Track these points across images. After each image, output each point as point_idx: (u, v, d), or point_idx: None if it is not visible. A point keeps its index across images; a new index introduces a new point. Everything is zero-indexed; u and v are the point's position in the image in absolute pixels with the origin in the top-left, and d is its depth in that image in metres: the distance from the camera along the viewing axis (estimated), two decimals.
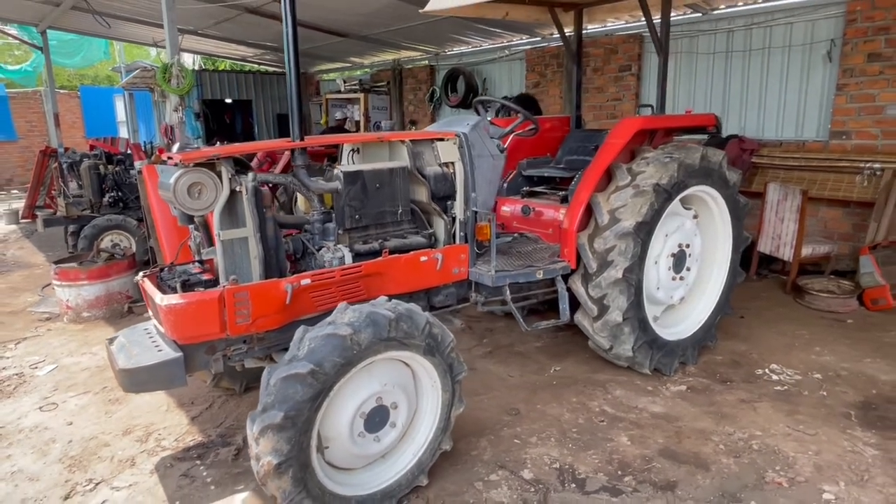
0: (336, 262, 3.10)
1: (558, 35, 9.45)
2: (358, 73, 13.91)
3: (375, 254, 3.33)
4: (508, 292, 3.63)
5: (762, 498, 2.88)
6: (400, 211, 3.38)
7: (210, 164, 2.84)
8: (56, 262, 5.67)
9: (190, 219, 2.99)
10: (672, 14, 4.33)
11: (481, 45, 10.63)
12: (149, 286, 2.89)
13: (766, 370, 4.29)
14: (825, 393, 3.94)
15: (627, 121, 3.97)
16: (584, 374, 4.25)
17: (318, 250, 3.17)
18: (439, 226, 3.57)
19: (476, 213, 3.59)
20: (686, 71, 7.85)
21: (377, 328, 2.56)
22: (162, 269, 3.07)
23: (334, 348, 2.46)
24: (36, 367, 4.60)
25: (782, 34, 6.93)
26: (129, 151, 9.80)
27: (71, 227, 7.72)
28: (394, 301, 2.76)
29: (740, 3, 7.20)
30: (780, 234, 6.08)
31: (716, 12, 7.42)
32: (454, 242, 3.61)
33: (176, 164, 2.75)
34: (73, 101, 17.86)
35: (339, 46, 11.79)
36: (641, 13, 4.22)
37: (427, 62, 11.86)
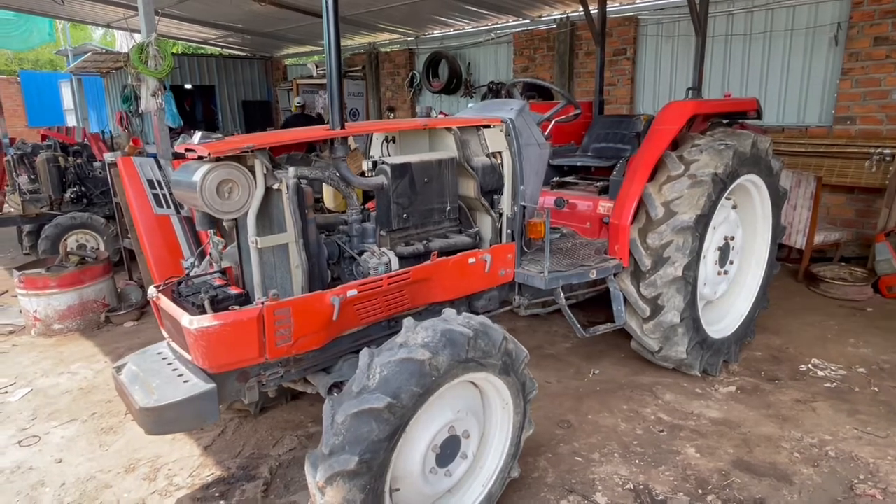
0: (382, 268, 2.69)
1: (548, 17, 9.14)
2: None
3: (418, 257, 2.94)
4: (562, 295, 3.30)
5: None
6: (448, 208, 2.98)
7: (238, 158, 2.39)
8: (19, 268, 5.00)
9: (212, 222, 2.52)
10: None
11: (464, 28, 10.21)
12: (167, 304, 2.42)
13: (809, 365, 4.12)
14: (877, 389, 3.79)
15: (676, 105, 3.68)
16: (627, 378, 3.98)
17: (360, 255, 2.75)
18: (485, 223, 3.20)
19: (525, 208, 3.23)
20: (685, 55, 7.66)
21: (455, 349, 2.19)
22: (179, 283, 2.59)
23: (411, 375, 2.07)
24: (6, 392, 4.01)
25: (785, 17, 6.80)
26: (85, 142, 9.00)
27: (27, 227, 6.97)
28: (465, 314, 2.38)
29: None
30: (793, 221, 5.96)
31: None
32: (500, 241, 3.25)
33: (200, 158, 2.28)
34: (13, 87, 16.51)
35: (310, 29, 11.14)
36: None
37: (405, 46, 11.34)
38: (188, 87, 14.12)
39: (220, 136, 2.46)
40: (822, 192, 6.54)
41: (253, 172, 2.38)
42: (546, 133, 3.54)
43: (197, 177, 2.24)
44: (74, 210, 6.66)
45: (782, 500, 2.77)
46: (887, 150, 5.95)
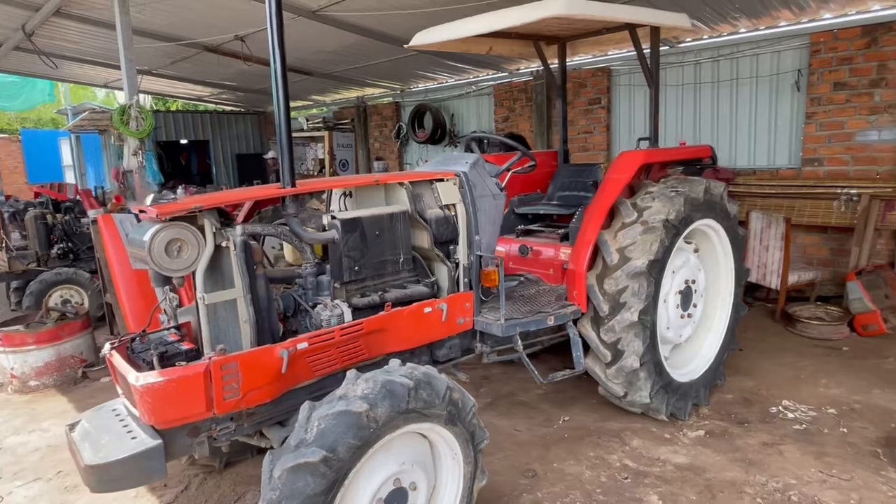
0: (335, 319, 2.76)
1: (525, 70, 9.48)
2: (317, 111, 13.65)
3: (374, 307, 3.00)
4: (520, 342, 3.35)
5: None
6: (401, 259, 3.07)
7: (190, 217, 2.49)
8: None
9: (167, 280, 2.60)
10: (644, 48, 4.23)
11: (447, 81, 10.57)
12: (119, 361, 2.48)
13: (780, 407, 4.11)
14: (845, 430, 3.78)
15: (627, 155, 3.82)
16: (596, 424, 3.97)
17: (314, 307, 2.82)
18: (442, 273, 3.28)
19: (481, 257, 3.32)
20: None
21: (395, 400, 2.23)
22: (133, 339, 2.65)
23: (348, 428, 2.11)
24: None
25: (749, 65, 7.06)
26: (77, 198, 9.19)
27: (14, 283, 7.05)
28: (409, 365, 2.43)
29: (706, 37, 7.33)
30: (766, 262, 6.04)
31: (682, 45, 7.55)
32: (458, 290, 3.32)
33: (151, 219, 2.38)
34: (15, 146, 16.94)
35: (301, 85, 11.52)
36: (620, 47, 4.13)
37: (392, 99, 11.72)
38: (184, 141, 14.49)
39: (174, 197, 2.57)
40: (798, 232, 6.67)
41: (203, 231, 2.48)
42: (503, 184, 3.66)
43: (146, 237, 2.33)
44: (61, 266, 6.75)
45: None
46: (853, 191, 6.09)
